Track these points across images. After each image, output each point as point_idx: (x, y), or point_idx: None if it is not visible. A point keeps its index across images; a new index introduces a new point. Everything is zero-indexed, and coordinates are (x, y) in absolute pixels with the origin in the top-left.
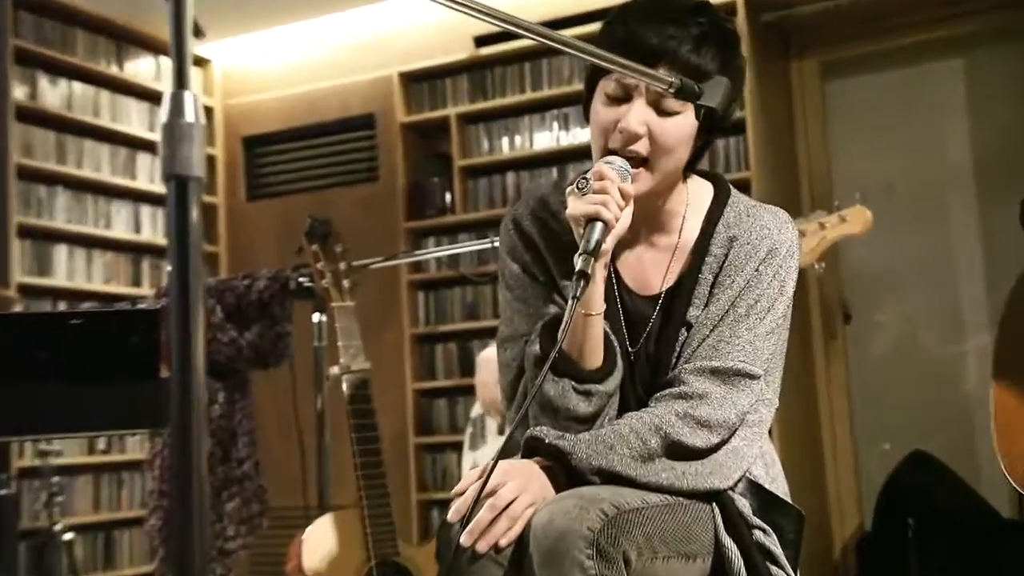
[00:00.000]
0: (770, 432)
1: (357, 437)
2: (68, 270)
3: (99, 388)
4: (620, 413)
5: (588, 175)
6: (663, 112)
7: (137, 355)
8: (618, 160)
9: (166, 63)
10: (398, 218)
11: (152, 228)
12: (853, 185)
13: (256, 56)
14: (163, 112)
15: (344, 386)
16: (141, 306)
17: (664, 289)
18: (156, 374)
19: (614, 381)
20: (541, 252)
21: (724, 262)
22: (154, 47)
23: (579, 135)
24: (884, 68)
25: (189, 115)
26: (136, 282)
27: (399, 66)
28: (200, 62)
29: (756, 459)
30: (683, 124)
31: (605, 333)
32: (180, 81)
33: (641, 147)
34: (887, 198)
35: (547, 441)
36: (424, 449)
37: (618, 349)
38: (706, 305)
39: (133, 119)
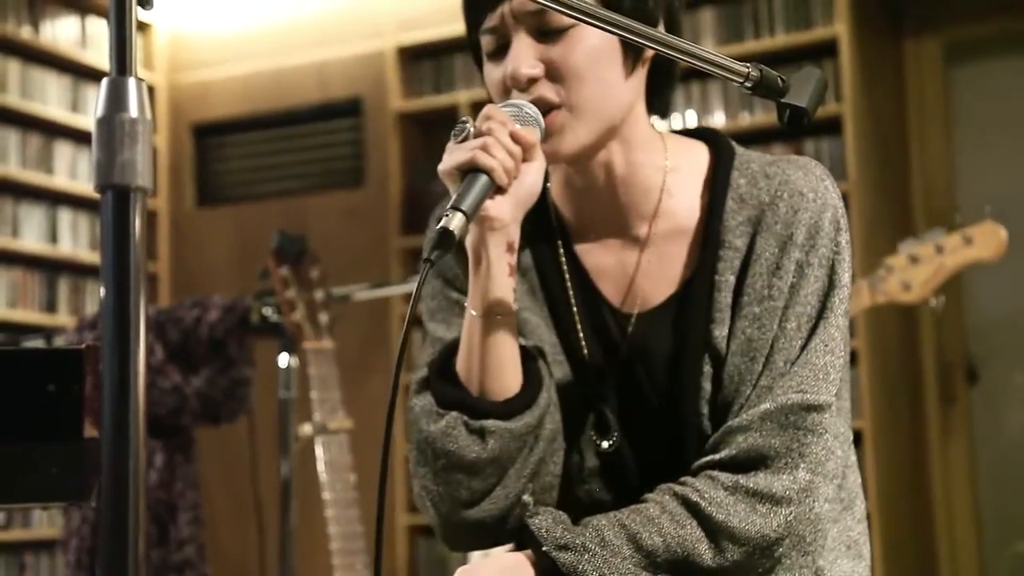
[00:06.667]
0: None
1: (335, 516)
2: None
3: (3, 449)
4: (588, 514)
5: (466, 118)
6: (550, 34)
7: (54, 408)
8: (523, 102)
9: (94, 25)
10: (391, 233)
11: (72, 239)
12: (984, 201)
13: (211, 20)
14: (100, 104)
15: (318, 450)
16: (59, 343)
17: (662, 301)
18: (79, 432)
19: (528, 418)
20: None
21: (749, 255)
22: (78, 5)
23: None
24: None
25: (133, 108)
26: (50, 307)
27: (395, 37)
28: (139, 26)
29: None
30: (585, 38)
31: (530, 356)
32: (122, 64)
33: (545, 89)
34: None
35: (543, 548)
36: (419, 533)
37: (547, 379)
38: (731, 323)
39: (50, 97)
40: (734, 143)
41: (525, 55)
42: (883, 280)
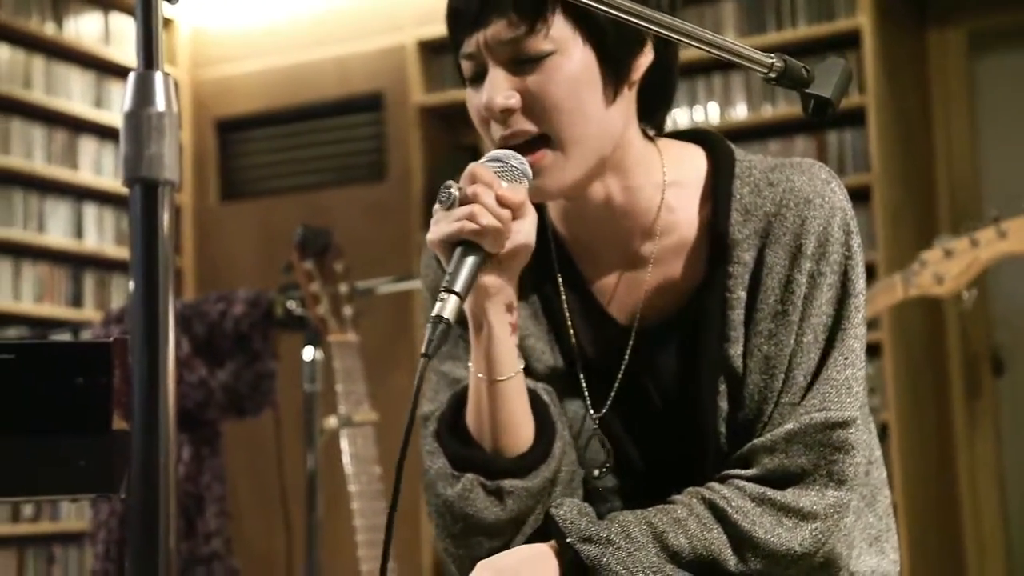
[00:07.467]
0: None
1: (360, 508)
2: None
3: (32, 442)
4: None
5: (451, 183)
6: (526, 63)
7: (83, 401)
8: (508, 154)
9: (117, 21)
10: (413, 227)
11: (97, 233)
12: (1010, 194)
13: (233, 16)
14: (127, 99)
15: (344, 443)
16: (87, 337)
17: (668, 316)
18: (107, 425)
19: (544, 473)
20: None
21: (759, 269)
22: (101, 1)
23: None
24: None
25: (160, 103)
26: (76, 302)
27: (415, 31)
28: (163, 22)
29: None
30: (562, 64)
31: (541, 403)
32: (148, 58)
33: (523, 122)
34: None
35: (567, 540)
36: None
37: (559, 427)
38: (746, 341)
39: (74, 93)
40: (732, 146)
41: (500, 86)
42: (917, 274)
